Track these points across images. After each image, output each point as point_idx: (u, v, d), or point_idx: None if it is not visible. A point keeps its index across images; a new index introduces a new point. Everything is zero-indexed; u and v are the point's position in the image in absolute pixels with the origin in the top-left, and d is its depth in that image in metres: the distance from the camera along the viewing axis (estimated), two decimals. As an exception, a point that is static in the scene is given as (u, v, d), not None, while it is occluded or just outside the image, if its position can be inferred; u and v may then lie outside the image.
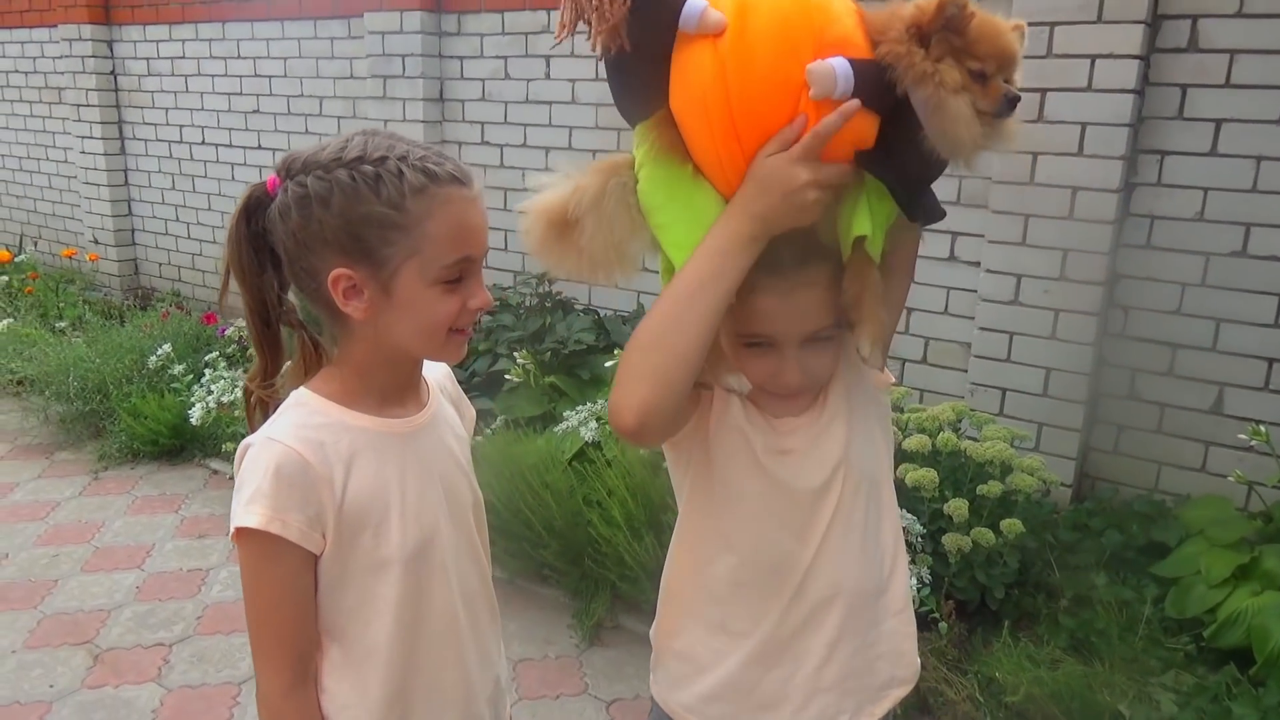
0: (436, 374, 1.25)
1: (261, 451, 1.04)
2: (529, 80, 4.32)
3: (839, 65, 0.94)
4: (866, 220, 1.03)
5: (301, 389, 1.11)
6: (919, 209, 1.07)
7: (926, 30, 0.96)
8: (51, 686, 2.57)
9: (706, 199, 1.04)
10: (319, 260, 1.04)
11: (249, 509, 1.01)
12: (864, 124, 0.99)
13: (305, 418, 1.08)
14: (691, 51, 1.00)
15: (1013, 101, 0.99)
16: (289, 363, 1.15)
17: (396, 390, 1.15)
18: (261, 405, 1.14)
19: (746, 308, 1.08)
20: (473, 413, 1.33)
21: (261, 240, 1.07)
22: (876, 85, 0.97)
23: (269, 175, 1.08)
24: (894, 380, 1.23)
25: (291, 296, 1.12)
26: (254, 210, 1.07)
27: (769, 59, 0.96)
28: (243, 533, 1.02)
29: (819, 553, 1.17)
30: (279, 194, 1.05)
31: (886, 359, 1.18)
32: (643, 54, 1.02)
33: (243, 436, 1.09)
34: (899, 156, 1.00)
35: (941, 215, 1.11)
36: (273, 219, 1.05)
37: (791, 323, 1.08)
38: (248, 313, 1.10)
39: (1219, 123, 2.88)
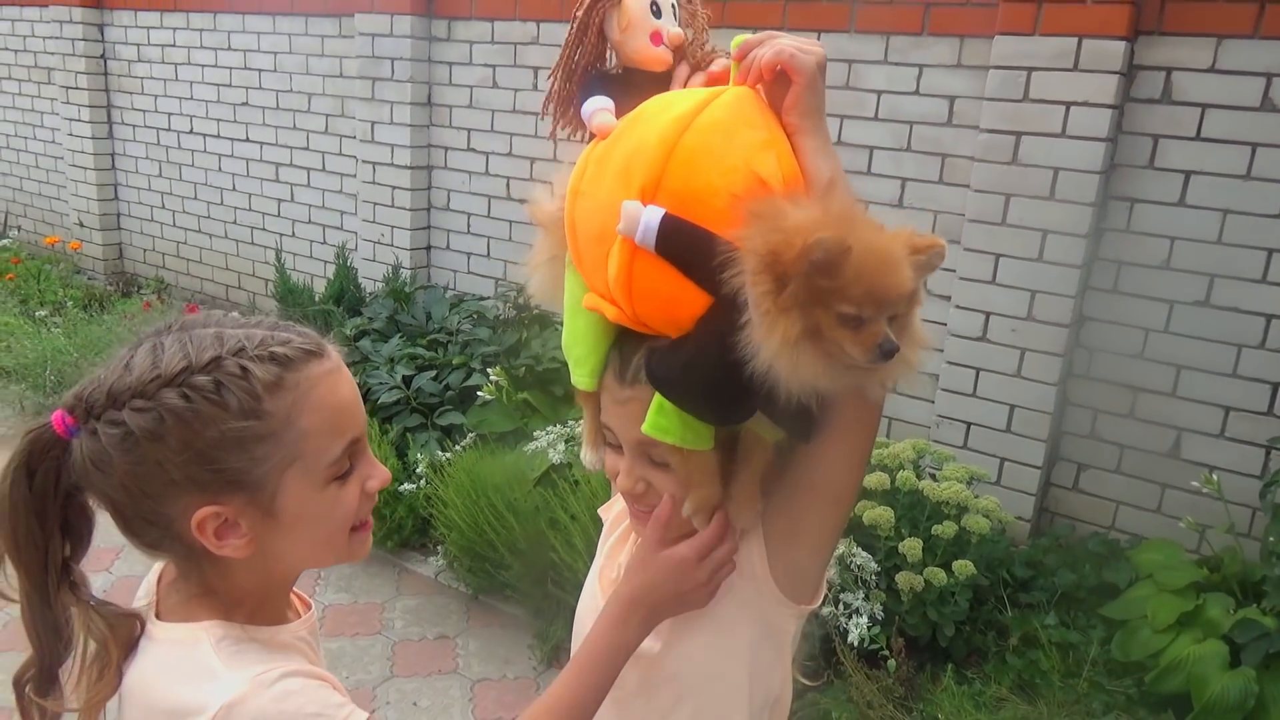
0: None
1: (275, 696, 0.83)
2: (517, 90, 4.33)
3: (648, 214, 0.87)
4: (653, 414, 0.95)
5: (203, 626, 0.89)
6: (699, 412, 0.94)
7: (786, 270, 0.82)
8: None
9: (577, 283, 1.04)
10: (165, 505, 0.85)
11: None
12: (682, 290, 0.89)
13: (252, 648, 0.89)
14: (591, 145, 1.02)
15: (887, 352, 0.84)
16: (75, 660, 0.90)
17: (285, 604, 1.01)
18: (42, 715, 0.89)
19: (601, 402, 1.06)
20: None
21: (45, 501, 0.86)
22: (694, 258, 0.87)
23: (56, 411, 0.87)
24: (809, 605, 1.08)
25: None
26: (36, 464, 0.86)
27: (611, 180, 0.93)
28: None
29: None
30: (80, 438, 0.85)
31: (801, 582, 1.05)
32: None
33: None
34: (712, 349, 0.88)
35: (803, 434, 0.96)
36: (81, 470, 0.85)
37: (623, 428, 1.03)
38: (21, 596, 0.88)
39: (1189, 174, 2.92)
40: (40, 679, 0.89)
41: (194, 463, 0.83)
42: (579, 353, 1.04)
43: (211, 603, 0.91)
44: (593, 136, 1.02)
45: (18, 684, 0.89)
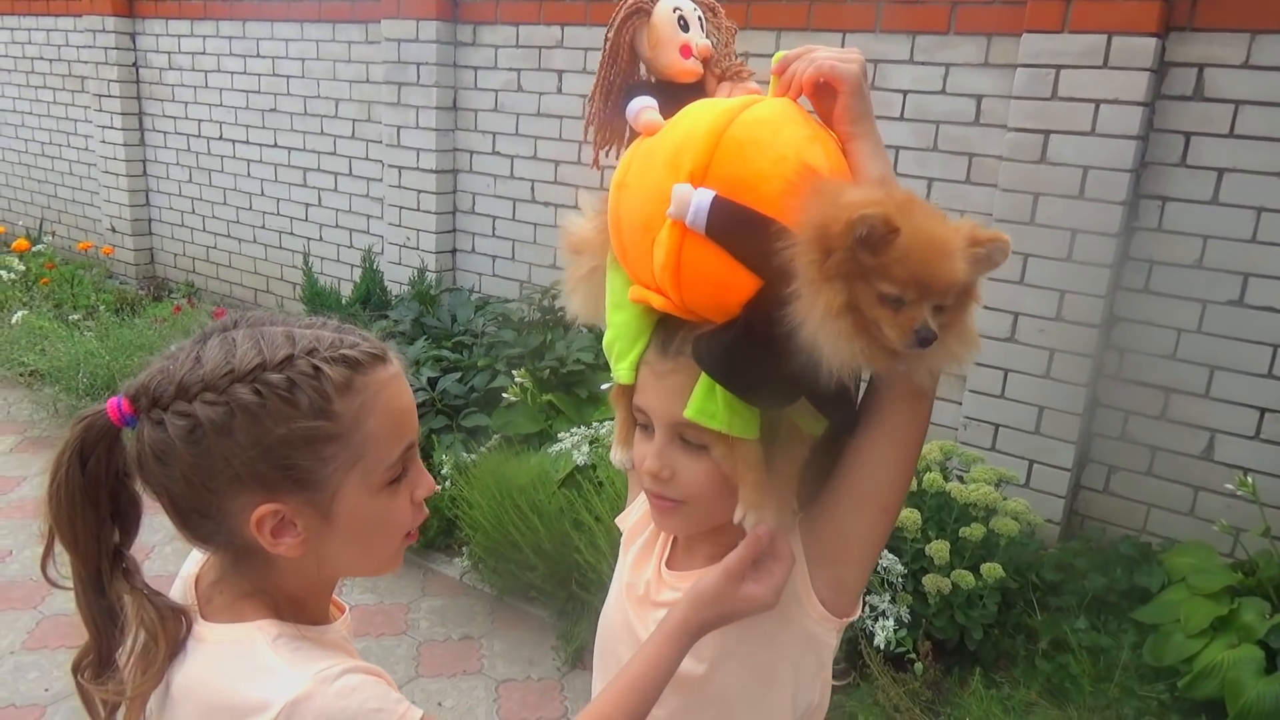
0: None
1: (338, 693, 0.82)
2: (541, 94, 4.35)
3: (701, 197, 0.87)
4: (698, 399, 0.95)
5: (256, 625, 0.89)
6: (748, 395, 0.93)
7: (832, 244, 0.82)
8: (47, 690, 2.64)
9: (626, 285, 1.03)
10: (226, 500, 0.85)
11: None
12: (732, 273, 0.89)
13: (307, 646, 0.89)
14: (633, 145, 1.04)
15: (924, 340, 0.83)
16: (130, 645, 0.90)
17: (328, 606, 1.01)
18: (105, 707, 0.90)
19: (638, 381, 1.03)
20: None
21: (99, 488, 0.86)
22: (745, 239, 0.87)
23: (115, 397, 0.87)
24: (841, 620, 1.06)
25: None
26: (89, 451, 0.86)
27: (659, 169, 0.94)
28: None
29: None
30: (143, 427, 0.85)
31: (846, 595, 1.04)
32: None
33: None
34: (763, 329, 0.87)
35: (846, 424, 0.96)
36: (140, 460, 0.86)
37: (660, 403, 1.00)
38: (76, 582, 0.88)
39: (1221, 172, 2.88)
40: (97, 664, 0.89)
41: (261, 459, 0.83)
42: (620, 347, 1.03)
43: (261, 602, 0.91)
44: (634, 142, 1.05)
45: (76, 669, 0.90)
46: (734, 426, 0.95)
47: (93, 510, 0.86)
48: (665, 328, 0.99)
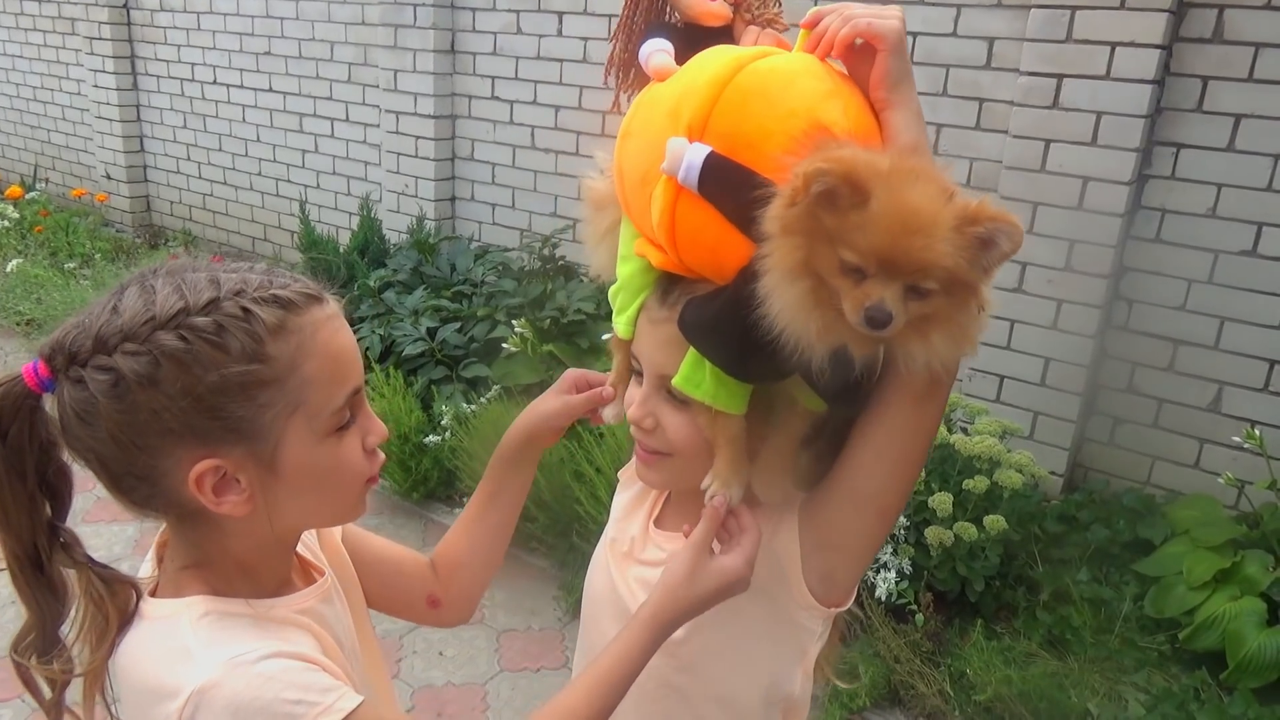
0: None
1: (251, 681, 0.77)
2: (541, 36, 4.24)
3: (694, 153, 0.82)
4: (686, 366, 0.92)
5: (186, 602, 0.83)
6: (732, 368, 0.89)
7: (796, 198, 0.76)
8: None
9: (633, 237, 0.99)
10: (160, 458, 0.80)
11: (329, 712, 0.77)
12: (727, 236, 0.84)
13: (237, 624, 0.83)
14: (646, 89, 0.98)
15: (872, 320, 0.76)
16: (73, 620, 0.85)
17: (287, 570, 0.94)
18: (51, 685, 0.85)
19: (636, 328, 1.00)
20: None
21: (23, 459, 0.80)
22: (737, 198, 0.81)
23: (28, 363, 0.81)
24: (827, 612, 1.01)
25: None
26: (8, 422, 0.80)
27: (660, 118, 0.89)
28: None
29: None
30: (63, 388, 0.79)
31: (834, 587, 0.99)
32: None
33: None
34: (751, 298, 0.82)
35: (845, 406, 0.90)
36: (63, 424, 0.80)
37: (651, 350, 0.97)
38: (9, 559, 0.82)
39: (1239, 118, 2.80)
40: (41, 642, 0.84)
41: (193, 410, 0.78)
42: (623, 299, 1.00)
43: (202, 574, 0.86)
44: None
45: (16, 649, 0.84)
46: (719, 399, 0.91)
47: (20, 484, 0.81)
48: (669, 276, 0.95)
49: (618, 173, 0.97)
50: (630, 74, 1.05)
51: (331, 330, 0.85)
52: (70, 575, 0.85)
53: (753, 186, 0.80)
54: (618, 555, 1.13)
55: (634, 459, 1.09)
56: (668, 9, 1.03)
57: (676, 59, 0.96)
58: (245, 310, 0.79)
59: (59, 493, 0.84)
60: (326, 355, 0.83)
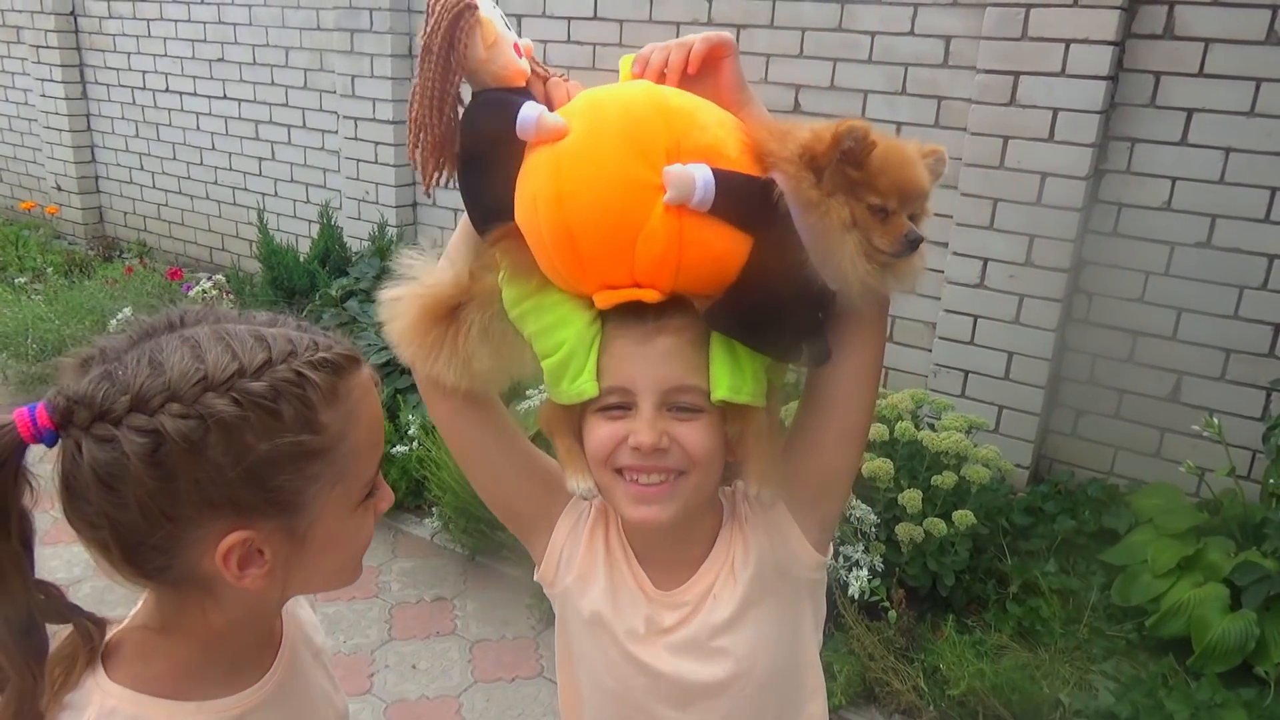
0: None
1: None
2: (499, 39, 4.21)
3: (699, 171, 0.85)
4: (724, 377, 0.92)
5: (104, 690, 0.76)
6: (780, 348, 0.95)
7: (820, 162, 0.87)
8: None
9: (559, 302, 0.95)
10: (188, 529, 0.73)
11: None
12: (732, 241, 0.89)
13: None
14: (531, 159, 0.92)
15: (913, 242, 0.89)
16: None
17: (256, 646, 0.87)
18: None
19: (603, 362, 0.94)
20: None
21: (5, 515, 0.72)
22: (746, 201, 0.88)
23: (26, 407, 0.73)
24: (828, 557, 1.08)
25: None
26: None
27: (616, 160, 0.87)
28: None
29: None
30: (75, 447, 0.71)
31: (830, 531, 1.08)
32: (483, 165, 0.95)
33: None
34: (774, 281, 0.89)
35: (825, 357, 0.96)
36: (72, 488, 0.72)
37: (649, 367, 0.93)
38: (2, 627, 0.72)
39: (1190, 112, 2.85)
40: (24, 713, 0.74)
41: (239, 481, 0.71)
42: (576, 363, 0.94)
43: (168, 641, 0.79)
44: (471, 171, 0.96)
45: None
46: (758, 396, 0.96)
47: (4, 543, 0.72)
48: (623, 306, 0.93)
49: (560, 239, 0.89)
50: (444, 150, 0.95)
51: (374, 397, 0.82)
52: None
53: (751, 186, 0.88)
54: (638, 642, 1.06)
55: (629, 510, 0.99)
56: (460, 80, 0.93)
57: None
58: (299, 375, 0.74)
59: (29, 543, 0.76)
60: (369, 423, 0.80)
